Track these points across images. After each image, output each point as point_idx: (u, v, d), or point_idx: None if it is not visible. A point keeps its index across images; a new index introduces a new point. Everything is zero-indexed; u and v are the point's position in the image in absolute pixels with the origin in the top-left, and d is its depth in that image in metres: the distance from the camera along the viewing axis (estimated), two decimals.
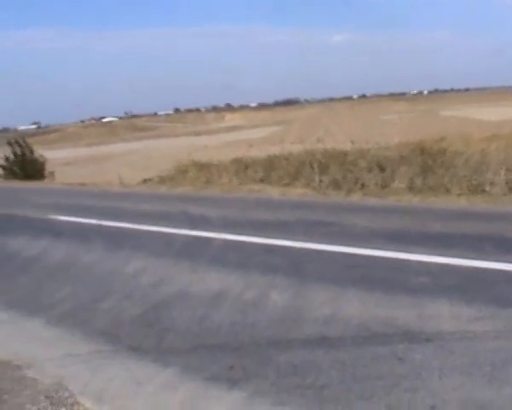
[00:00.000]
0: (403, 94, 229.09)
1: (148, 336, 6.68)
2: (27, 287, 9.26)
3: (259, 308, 7.07)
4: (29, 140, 40.12)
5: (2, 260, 11.12)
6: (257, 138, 69.01)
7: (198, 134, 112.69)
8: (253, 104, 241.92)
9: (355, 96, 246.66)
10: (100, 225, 13.02)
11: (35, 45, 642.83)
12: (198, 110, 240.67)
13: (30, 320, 7.79)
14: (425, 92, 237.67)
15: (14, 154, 35.20)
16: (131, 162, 56.41)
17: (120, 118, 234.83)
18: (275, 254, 9.34)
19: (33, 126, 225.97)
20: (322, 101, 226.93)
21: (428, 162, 18.09)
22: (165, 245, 10.52)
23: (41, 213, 15.87)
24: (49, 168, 35.40)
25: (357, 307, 6.76)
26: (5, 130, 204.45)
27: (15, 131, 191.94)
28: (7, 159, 35.24)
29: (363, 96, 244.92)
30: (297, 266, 8.53)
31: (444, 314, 6.39)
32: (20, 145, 35.56)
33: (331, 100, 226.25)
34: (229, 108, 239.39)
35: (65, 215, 14.77)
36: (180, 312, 7.26)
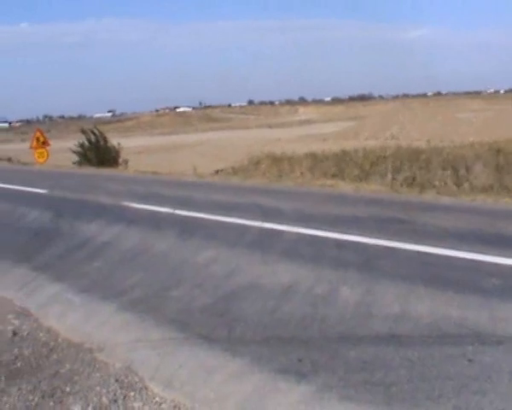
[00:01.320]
0: (478, 92, 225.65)
1: (219, 325, 6.72)
2: (100, 272, 9.40)
3: (330, 303, 7.06)
4: (104, 127, 40.80)
5: (77, 245, 11.28)
6: (330, 133, 68.79)
7: (271, 127, 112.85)
8: (327, 98, 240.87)
9: (430, 94, 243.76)
10: (173, 214, 13.12)
11: (112, 35, 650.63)
12: (272, 103, 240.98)
13: (102, 305, 7.92)
14: (501, 91, 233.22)
15: (89, 141, 35.69)
16: (204, 152, 56.79)
17: (194, 108, 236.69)
18: (346, 249, 9.30)
19: (108, 114, 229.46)
20: (396, 97, 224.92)
21: (504, 163, 17.81)
22: (237, 236, 10.54)
23: (114, 200, 16.07)
24: (122, 156, 35.79)
25: (428, 306, 6.69)
26: (81, 117, 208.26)
27: (91, 118, 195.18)
28: (81, 146, 35.76)
29: (438, 94, 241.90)
30: (368, 263, 8.47)
31: None
32: (93, 133, 36.05)
33: (405, 96, 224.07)
34: (302, 101, 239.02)
35: (138, 203, 14.92)
36: (250, 303, 7.29)
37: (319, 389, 5.12)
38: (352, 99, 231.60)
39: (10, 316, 8.09)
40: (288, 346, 6.03)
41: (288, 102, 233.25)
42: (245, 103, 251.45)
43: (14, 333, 7.41)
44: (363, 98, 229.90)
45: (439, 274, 7.78)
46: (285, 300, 7.29)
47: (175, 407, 5.30)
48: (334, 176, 20.73)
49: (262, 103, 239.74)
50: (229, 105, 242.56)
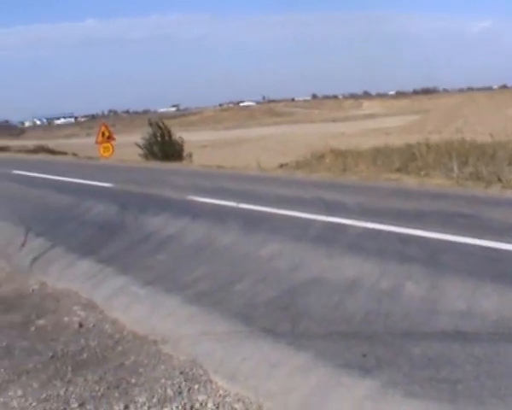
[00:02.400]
0: None
1: (283, 319, 6.73)
2: (165, 265, 9.50)
3: (394, 298, 7.01)
4: (168, 122, 41.01)
5: (142, 238, 11.40)
6: (394, 127, 68.30)
7: (335, 121, 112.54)
8: (391, 92, 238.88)
9: (495, 87, 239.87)
10: (237, 208, 13.16)
11: (177, 31, 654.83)
12: (335, 97, 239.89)
13: (167, 298, 8.01)
14: None
15: (154, 135, 35.98)
16: (267, 147, 56.91)
17: (258, 102, 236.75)
18: (411, 244, 9.21)
19: (173, 109, 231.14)
20: (461, 90, 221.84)
21: None
22: (301, 230, 10.52)
23: (179, 194, 16.18)
24: (187, 150, 35.99)
25: (495, 303, 6.58)
26: (146, 111, 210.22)
27: (155, 112, 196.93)
28: (147, 139, 36.06)
29: (504, 87, 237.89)
30: (433, 258, 8.37)
31: None
32: (159, 127, 36.33)
33: (470, 89, 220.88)
34: (366, 95, 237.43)
35: (203, 196, 14.97)
36: (315, 297, 7.28)
37: (384, 385, 5.10)
38: (416, 92, 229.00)
39: (76, 308, 8.24)
40: (352, 341, 6.01)
41: (352, 96, 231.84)
42: (308, 97, 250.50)
43: (81, 325, 7.54)
44: (427, 91, 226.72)
45: (505, 270, 7.64)
46: (349, 294, 7.26)
47: (239, 400, 5.33)
48: (398, 170, 20.57)
49: (326, 97, 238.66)
50: (293, 99, 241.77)
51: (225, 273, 8.61)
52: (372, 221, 10.54)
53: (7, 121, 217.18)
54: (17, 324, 7.81)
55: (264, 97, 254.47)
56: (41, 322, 7.81)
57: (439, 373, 5.16)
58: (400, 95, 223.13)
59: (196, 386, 5.63)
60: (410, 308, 6.66)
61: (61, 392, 5.73)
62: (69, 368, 6.27)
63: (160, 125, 36.45)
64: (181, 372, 5.92)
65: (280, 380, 5.48)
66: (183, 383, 5.71)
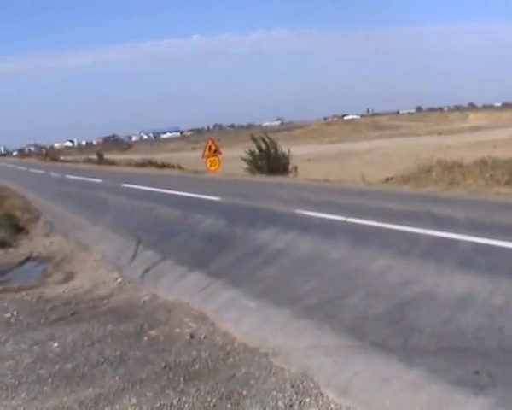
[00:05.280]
0: None
1: (393, 334, 6.69)
2: (274, 278, 9.55)
3: (507, 314, 6.87)
4: (273, 135, 41.13)
5: (251, 251, 11.49)
6: (502, 139, 66.73)
7: (440, 134, 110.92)
8: (497, 104, 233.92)
9: None
10: (345, 222, 13.12)
11: (281, 45, 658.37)
12: (440, 109, 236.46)
13: (276, 311, 8.04)
14: None
15: (259, 149, 36.16)
16: (373, 160, 56.54)
17: (362, 116, 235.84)
18: None
19: (277, 123, 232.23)
20: None
21: None
22: (410, 245, 10.41)
23: (287, 208, 16.25)
24: (292, 164, 36.04)
25: None
26: (250, 125, 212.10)
27: (259, 126, 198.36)
28: (252, 153, 36.29)
29: None
30: None
31: None
32: (264, 141, 36.50)
33: None
34: (472, 107, 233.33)
35: (310, 210, 14.99)
36: (425, 312, 7.20)
37: (498, 403, 5.03)
38: None
39: (187, 319, 8.35)
40: (464, 357, 5.93)
41: (457, 108, 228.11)
42: (413, 110, 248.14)
43: (192, 336, 7.64)
44: None
45: None
46: (460, 310, 7.15)
47: None
48: (507, 183, 20.18)
49: (430, 110, 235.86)
50: (397, 112, 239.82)
51: (335, 287, 8.61)
52: (483, 236, 10.35)
53: (114, 136, 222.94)
54: (130, 334, 7.98)
55: (368, 110, 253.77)
56: (153, 332, 7.95)
57: None
58: (507, 106, 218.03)
59: (307, 399, 5.64)
60: None
61: (175, 401, 5.83)
62: (181, 378, 6.37)
63: (265, 139, 36.61)
64: (292, 385, 5.94)
65: (392, 396, 5.44)
66: (294, 395, 5.73)
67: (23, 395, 6.27)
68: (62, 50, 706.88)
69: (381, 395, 5.48)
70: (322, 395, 5.70)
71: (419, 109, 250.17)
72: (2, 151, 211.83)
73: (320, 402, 5.56)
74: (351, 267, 9.61)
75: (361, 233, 11.93)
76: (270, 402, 5.64)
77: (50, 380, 6.60)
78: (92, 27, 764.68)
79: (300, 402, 5.59)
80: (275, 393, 5.82)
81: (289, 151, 35.86)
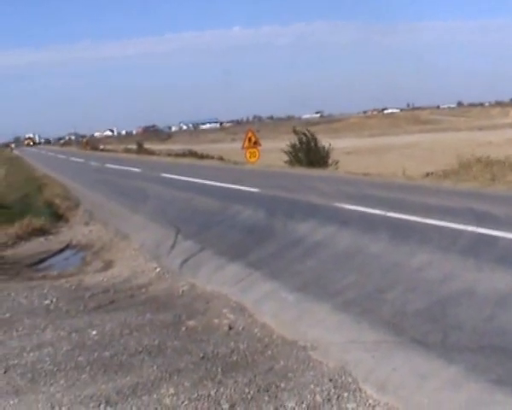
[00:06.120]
0: None
1: (433, 330, 6.63)
2: (314, 271, 9.52)
3: None
4: (312, 128, 41.15)
5: (289, 243, 11.49)
6: None
7: (481, 129, 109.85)
8: None
9: None
10: (385, 216, 13.05)
11: (322, 38, 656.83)
12: (482, 104, 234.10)
13: (315, 304, 8.02)
14: None
15: (300, 141, 36.15)
16: (413, 154, 56.17)
17: (402, 110, 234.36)
18: None
19: (316, 115, 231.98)
20: None
21: None
22: (451, 241, 10.33)
23: (326, 201, 16.22)
24: (331, 157, 35.97)
25: None
26: (290, 117, 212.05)
27: (299, 119, 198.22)
28: (293, 146, 36.29)
29: None
30: None
31: None
32: (304, 134, 36.48)
33: None
34: None
35: (350, 204, 14.94)
36: (465, 309, 7.13)
37: None
38: None
39: (225, 310, 8.36)
40: (505, 356, 5.86)
41: (499, 104, 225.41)
42: (454, 105, 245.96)
43: (230, 327, 7.65)
44: None
45: None
46: (501, 308, 7.08)
47: None
48: None
49: (471, 105, 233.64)
50: (438, 106, 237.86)
51: (374, 282, 8.56)
52: None
53: (154, 126, 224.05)
54: (168, 323, 8.00)
55: (408, 104, 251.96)
56: (191, 323, 7.96)
57: None
58: None
59: (345, 394, 5.61)
60: None
61: (212, 392, 5.83)
62: (219, 369, 6.37)
63: (306, 132, 36.59)
64: (330, 379, 5.92)
65: (430, 393, 5.39)
66: (332, 390, 5.71)
67: (62, 382, 6.31)
68: (104, 41, 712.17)
69: (420, 392, 5.44)
70: (360, 390, 5.68)
71: (460, 104, 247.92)
72: (37, 140, 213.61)
73: (358, 397, 5.54)
74: (390, 262, 9.54)
75: (401, 228, 11.86)
76: (308, 396, 5.62)
77: (89, 367, 6.63)
78: (134, 18, 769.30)
79: (338, 397, 5.57)
80: (313, 387, 5.81)
81: (330, 145, 35.79)
